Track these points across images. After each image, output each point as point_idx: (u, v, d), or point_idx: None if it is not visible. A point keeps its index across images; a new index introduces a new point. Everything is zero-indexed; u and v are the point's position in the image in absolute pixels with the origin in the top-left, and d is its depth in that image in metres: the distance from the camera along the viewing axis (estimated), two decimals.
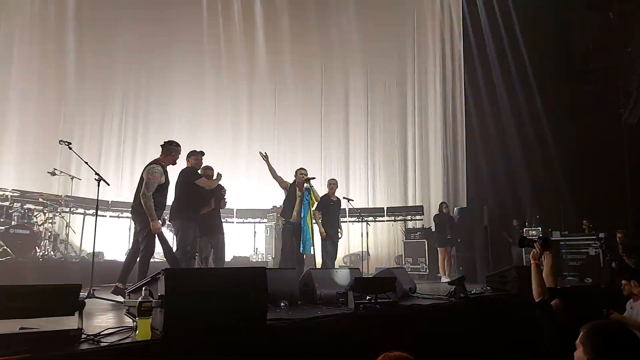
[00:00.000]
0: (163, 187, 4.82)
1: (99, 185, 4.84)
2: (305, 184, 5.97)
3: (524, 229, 9.37)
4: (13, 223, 6.61)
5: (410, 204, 11.33)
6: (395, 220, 10.58)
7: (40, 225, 7.07)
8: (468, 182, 11.21)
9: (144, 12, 10.59)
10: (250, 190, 10.28)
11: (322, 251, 6.28)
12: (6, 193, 6.75)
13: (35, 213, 7.15)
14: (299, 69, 12.10)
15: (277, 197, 8.29)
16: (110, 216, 9.01)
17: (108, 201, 8.68)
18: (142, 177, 4.76)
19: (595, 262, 7.69)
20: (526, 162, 10.44)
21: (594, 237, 7.98)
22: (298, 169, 6.24)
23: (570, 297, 3.19)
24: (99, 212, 8.27)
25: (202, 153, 5.49)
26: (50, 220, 7.17)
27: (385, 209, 10.49)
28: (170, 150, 4.96)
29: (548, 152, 10.33)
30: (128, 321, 2.92)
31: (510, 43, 10.79)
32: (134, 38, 10.46)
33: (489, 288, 5.40)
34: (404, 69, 12.11)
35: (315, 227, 6.23)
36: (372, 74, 12.21)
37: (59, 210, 7.48)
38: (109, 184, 5.11)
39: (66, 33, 9.59)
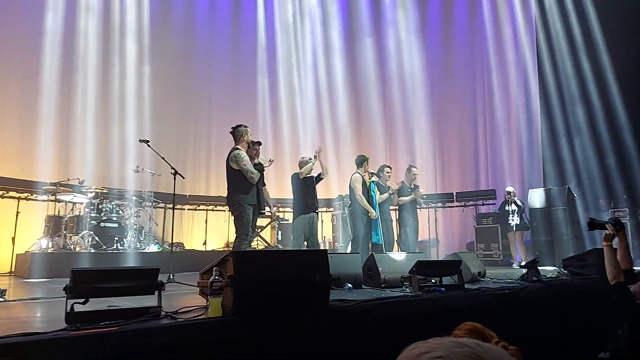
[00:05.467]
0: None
1: (174, 179, 5.21)
2: (370, 179, 6.11)
3: (610, 210, 8.73)
4: (103, 217, 7.29)
5: (482, 187, 10.91)
6: (465, 206, 10.25)
7: (127, 219, 7.73)
8: (545, 162, 10.49)
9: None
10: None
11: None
12: (97, 190, 7.46)
13: (122, 208, 7.82)
14: (353, 48, 11.93)
15: (343, 186, 8.39)
16: (188, 209, 9.60)
17: (186, 195, 9.22)
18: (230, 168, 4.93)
19: None
20: (612, 138, 9.52)
21: None
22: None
23: None
24: (178, 205, 8.89)
25: (259, 143, 5.40)
26: (135, 214, 7.81)
27: (454, 194, 10.21)
28: (239, 132, 5.11)
29: (638, 125, 9.38)
30: (203, 301, 3.15)
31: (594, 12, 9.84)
32: (208, 38, 10.91)
33: (565, 272, 5.13)
34: (472, 43, 11.53)
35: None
36: (434, 51, 11.77)
37: (142, 204, 8.12)
38: (183, 177, 5.45)
39: (146, 37, 9.85)
